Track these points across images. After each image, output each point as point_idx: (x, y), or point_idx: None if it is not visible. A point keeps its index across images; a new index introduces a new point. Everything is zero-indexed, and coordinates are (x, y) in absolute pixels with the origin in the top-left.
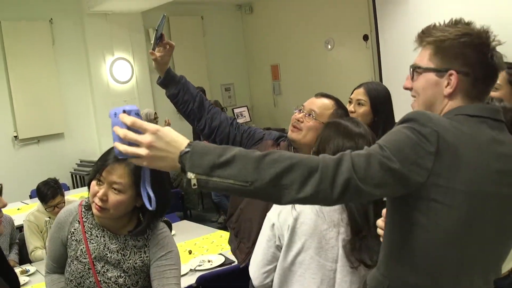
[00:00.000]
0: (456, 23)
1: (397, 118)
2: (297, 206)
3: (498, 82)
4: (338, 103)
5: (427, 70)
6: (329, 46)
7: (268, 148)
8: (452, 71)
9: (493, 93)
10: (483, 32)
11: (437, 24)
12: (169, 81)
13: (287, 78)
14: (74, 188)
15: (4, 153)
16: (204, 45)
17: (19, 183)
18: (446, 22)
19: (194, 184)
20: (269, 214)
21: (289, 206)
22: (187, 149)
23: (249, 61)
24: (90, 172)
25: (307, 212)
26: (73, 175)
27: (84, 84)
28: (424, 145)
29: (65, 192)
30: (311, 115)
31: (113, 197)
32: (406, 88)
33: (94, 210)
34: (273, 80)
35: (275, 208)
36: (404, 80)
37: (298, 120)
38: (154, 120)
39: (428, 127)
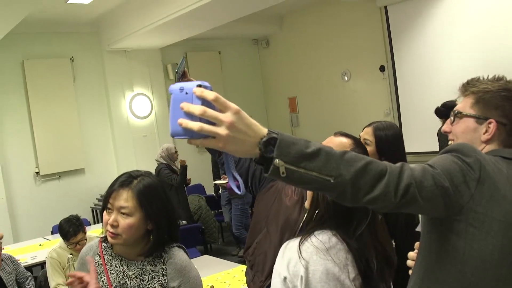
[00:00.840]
0: (499, 79)
1: (412, 144)
2: (304, 254)
3: None
4: (356, 142)
5: (468, 116)
6: (346, 78)
7: (286, 186)
8: (492, 120)
9: None
10: None
11: (481, 78)
12: None
13: (305, 110)
14: (95, 223)
15: (26, 189)
16: (222, 79)
17: (41, 219)
18: (490, 77)
19: (283, 173)
20: (276, 267)
21: (295, 255)
22: (269, 136)
23: (267, 94)
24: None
25: (315, 259)
26: (94, 210)
27: (104, 120)
28: (468, 171)
29: (87, 228)
30: None
31: (123, 222)
32: (445, 132)
33: (109, 238)
34: (290, 113)
35: (282, 259)
36: (421, 107)
37: None
38: (176, 154)
39: (472, 157)
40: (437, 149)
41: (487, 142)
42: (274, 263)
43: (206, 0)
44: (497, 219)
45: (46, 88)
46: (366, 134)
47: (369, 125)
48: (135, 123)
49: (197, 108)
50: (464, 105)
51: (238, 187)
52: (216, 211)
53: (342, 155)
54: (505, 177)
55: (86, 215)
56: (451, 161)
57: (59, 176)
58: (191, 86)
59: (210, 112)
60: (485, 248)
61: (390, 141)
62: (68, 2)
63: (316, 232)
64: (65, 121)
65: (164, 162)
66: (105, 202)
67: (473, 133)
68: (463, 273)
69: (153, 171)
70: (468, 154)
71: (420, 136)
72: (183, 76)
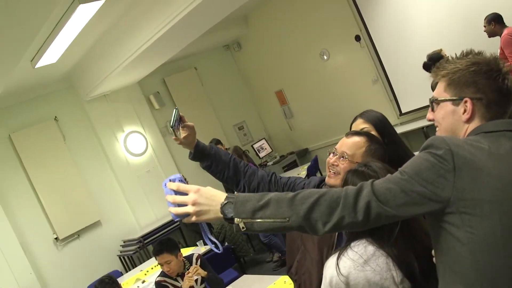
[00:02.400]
0: (467, 54)
1: (409, 103)
2: (342, 269)
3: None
4: (371, 138)
5: (444, 100)
6: (325, 57)
7: None
8: (467, 99)
9: None
10: (492, 59)
11: (450, 58)
12: (200, 155)
13: (295, 100)
14: (126, 270)
15: (50, 258)
16: (205, 94)
17: (73, 282)
18: (458, 55)
19: (243, 227)
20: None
21: (335, 273)
22: (226, 201)
23: (253, 95)
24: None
25: (354, 273)
26: (121, 258)
27: (104, 167)
28: (442, 164)
29: (119, 279)
30: (344, 157)
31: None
32: (429, 120)
33: None
34: (281, 105)
35: (325, 279)
36: (406, 65)
37: (333, 165)
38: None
39: (441, 148)
40: None
41: (468, 121)
42: (320, 280)
43: (170, 25)
44: (487, 200)
45: (39, 155)
46: (360, 125)
47: (354, 119)
48: (135, 162)
49: (169, 198)
50: (439, 90)
51: (217, 247)
52: None
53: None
54: (486, 153)
55: (115, 265)
56: (422, 159)
57: (78, 235)
58: (164, 182)
59: (178, 198)
60: (486, 231)
61: (381, 119)
62: (36, 67)
63: (352, 244)
64: (67, 181)
65: None
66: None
67: (452, 116)
68: (475, 260)
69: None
70: (438, 146)
71: (414, 93)
72: (181, 122)
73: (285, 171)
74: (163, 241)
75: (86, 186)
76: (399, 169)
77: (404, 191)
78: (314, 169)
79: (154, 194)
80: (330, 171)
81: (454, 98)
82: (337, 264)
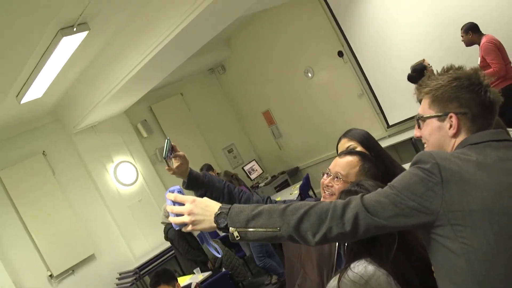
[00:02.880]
0: (448, 69)
1: (397, 115)
2: (362, 273)
3: None
4: (364, 157)
5: (429, 117)
6: (310, 75)
7: None
8: (451, 114)
9: None
10: (473, 73)
11: (433, 72)
12: (194, 184)
13: (282, 119)
14: None
15: None
16: (192, 118)
17: None
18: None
19: (237, 236)
20: None
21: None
22: (219, 211)
23: (240, 117)
24: None
25: (376, 276)
26: None
27: (95, 199)
28: (430, 178)
29: None
30: (338, 178)
31: None
32: (416, 137)
33: None
34: (269, 126)
35: None
36: (390, 78)
37: (328, 186)
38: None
39: (428, 163)
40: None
41: (455, 135)
42: None
43: (154, 52)
44: (476, 210)
45: (29, 191)
46: (346, 143)
47: (339, 140)
48: (126, 192)
49: (169, 208)
50: (423, 107)
51: (218, 252)
52: (235, 249)
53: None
54: (473, 164)
55: None
56: (411, 174)
57: (73, 271)
58: (166, 193)
59: (175, 208)
60: (479, 241)
61: (365, 135)
62: (22, 102)
63: (351, 265)
64: (59, 215)
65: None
66: None
67: (439, 131)
68: (472, 270)
69: (160, 233)
70: (425, 161)
71: (400, 105)
72: (173, 152)
73: (277, 191)
74: (159, 272)
75: (78, 220)
76: (389, 184)
77: (394, 203)
78: (306, 188)
79: (147, 223)
80: (325, 192)
81: (439, 114)
82: (339, 287)
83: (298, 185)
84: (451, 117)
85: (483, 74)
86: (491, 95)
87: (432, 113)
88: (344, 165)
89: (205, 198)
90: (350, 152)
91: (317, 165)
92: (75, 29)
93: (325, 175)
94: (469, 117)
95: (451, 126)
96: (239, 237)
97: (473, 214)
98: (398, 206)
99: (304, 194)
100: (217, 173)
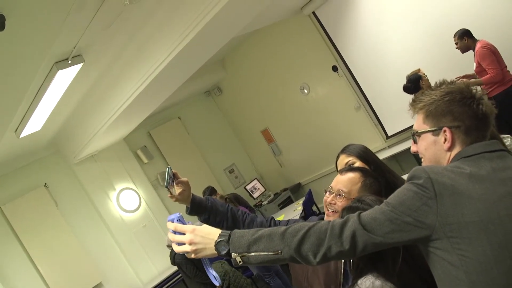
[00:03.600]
0: (440, 84)
1: (395, 126)
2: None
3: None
4: (365, 173)
5: (424, 132)
6: (306, 91)
7: None
8: (445, 128)
9: None
10: (464, 87)
11: (426, 91)
12: (197, 209)
13: (281, 137)
14: None
15: None
16: (192, 141)
17: None
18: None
19: (240, 261)
20: None
21: None
22: (219, 239)
23: (240, 137)
24: None
25: None
26: None
27: (100, 228)
28: (424, 193)
29: None
30: (340, 195)
31: None
32: (413, 152)
33: None
34: (269, 144)
35: None
36: (386, 89)
37: (331, 203)
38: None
39: (421, 178)
40: None
41: (449, 149)
42: None
43: (150, 79)
44: (471, 221)
45: (33, 223)
46: (345, 159)
47: (337, 157)
48: (130, 218)
49: (170, 236)
50: (418, 123)
51: (216, 279)
52: (242, 268)
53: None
54: (467, 177)
55: None
56: (406, 190)
57: None
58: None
59: (176, 237)
60: (476, 252)
61: (362, 149)
62: (21, 136)
63: (359, 282)
64: (64, 246)
65: None
66: None
67: (434, 146)
68: (471, 281)
69: (166, 257)
70: (419, 176)
71: (397, 115)
72: (174, 179)
73: (280, 209)
74: None
75: (83, 249)
76: (385, 200)
77: (390, 220)
78: (309, 203)
79: (153, 248)
80: (328, 210)
81: (434, 129)
82: None
83: (301, 201)
84: (445, 131)
85: (475, 87)
86: (483, 107)
87: (427, 128)
88: (346, 182)
89: (205, 226)
90: (351, 168)
91: (319, 180)
92: (69, 61)
93: (328, 193)
94: (463, 130)
95: (445, 140)
96: (241, 262)
97: (469, 226)
98: (394, 222)
99: (307, 210)
100: (221, 196)
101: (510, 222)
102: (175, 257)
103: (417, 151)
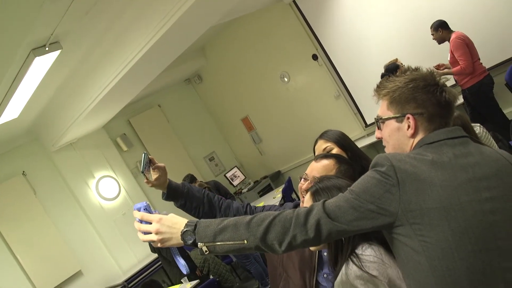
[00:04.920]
0: (405, 71)
1: (374, 114)
2: (376, 253)
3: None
4: (340, 160)
5: (388, 119)
6: (286, 79)
7: None
8: (409, 115)
9: None
10: (428, 74)
11: (390, 77)
12: (173, 195)
13: (261, 124)
14: None
15: None
16: (172, 130)
17: None
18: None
19: (206, 250)
20: None
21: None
22: (185, 229)
23: (220, 125)
24: None
25: (383, 270)
26: None
27: (79, 216)
28: (386, 180)
29: None
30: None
31: None
32: (378, 138)
33: None
34: (249, 132)
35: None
36: (365, 78)
37: (306, 190)
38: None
39: (384, 165)
40: None
41: (413, 136)
42: None
43: (129, 66)
44: (433, 207)
45: (11, 212)
46: (323, 145)
47: (315, 142)
48: (109, 206)
49: (136, 225)
50: (382, 109)
51: (185, 268)
52: (221, 256)
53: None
54: (429, 163)
55: None
56: (369, 177)
57: None
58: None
59: (142, 227)
60: (438, 238)
61: (341, 136)
62: None
63: (358, 252)
64: (43, 234)
65: None
66: None
67: (398, 132)
68: (433, 266)
69: (146, 245)
70: (382, 164)
71: (377, 104)
72: (151, 164)
73: (260, 196)
74: (147, 283)
75: (63, 238)
76: (348, 188)
77: (354, 207)
78: (289, 191)
79: (133, 236)
80: (303, 196)
81: (397, 115)
82: (364, 271)
83: (281, 189)
84: (408, 118)
85: (438, 74)
86: (447, 94)
87: (391, 114)
88: (321, 169)
89: (172, 215)
90: (325, 155)
91: (299, 167)
92: (47, 48)
93: (303, 180)
94: (426, 117)
95: (409, 126)
96: (208, 251)
97: (431, 212)
98: (357, 210)
99: (287, 197)
100: (200, 183)
101: (470, 208)
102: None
103: (381, 137)
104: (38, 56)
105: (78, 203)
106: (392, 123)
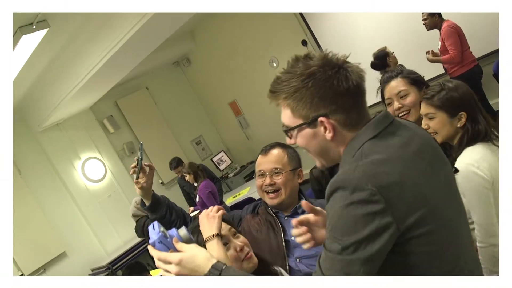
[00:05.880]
0: (296, 61)
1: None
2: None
3: (403, 88)
4: (284, 146)
5: (298, 127)
6: (275, 65)
7: (250, 223)
8: (321, 118)
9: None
10: (324, 60)
11: (280, 74)
12: (155, 206)
13: (249, 109)
14: None
15: None
16: (159, 112)
17: None
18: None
19: None
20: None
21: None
22: (210, 274)
23: (207, 108)
24: None
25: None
26: None
27: (64, 197)
28: (373, 209)
29: None
30: (277, 173)
31: None
32: (291, 144)
33: None
34: (236, 116)
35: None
36: (353, 62)
37: (270, 184)
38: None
39: (365, 190)
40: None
41: (334, 137)
42: None
43: (117, 47)
44: (422, 213)
45: None
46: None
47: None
48: (95, 188)
49: (157, 264)
50: (287, 116)
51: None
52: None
53: None
54: (391, 165)
55: None
56: (351, 216)
57: (44, 269)
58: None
59: (162, 266)
60: (433, 240)
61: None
62: None
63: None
64: (27, 215)
65: (144, 213)
66: None
67: (315, 139)
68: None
69: (131, 227)
70: (361, 188)
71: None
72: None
73: (246, 181)
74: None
75: (47, 219)
76: (334, 237)
77: (363, 263)
78: None
79: (118, 219)
80: (268, 193)
81: (307, 121)
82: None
83: None
84: (321, 121)
85: (334, 54)
86: (352, 76)
87: (300, 121)
88: (275, 159)
89: (192, 255)
90: (271, 146)
91: None
92: (34, 26)
93: (261, 177)
94: (341, 112)
95: (325, 129)
96: None
97: (423, 217)
98: (370, 261)
99: None
100: (191, 163)
101: (437, 189)
102: (145, 225)
103: (295, 143)
104: (25, 34)
105: (64, 184)
106: (305, 131)
